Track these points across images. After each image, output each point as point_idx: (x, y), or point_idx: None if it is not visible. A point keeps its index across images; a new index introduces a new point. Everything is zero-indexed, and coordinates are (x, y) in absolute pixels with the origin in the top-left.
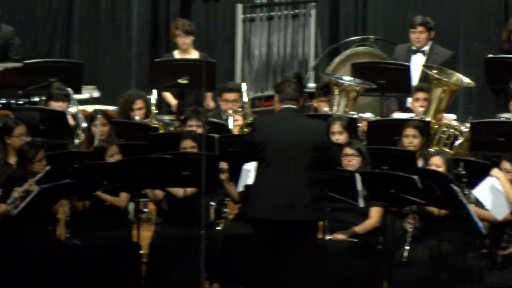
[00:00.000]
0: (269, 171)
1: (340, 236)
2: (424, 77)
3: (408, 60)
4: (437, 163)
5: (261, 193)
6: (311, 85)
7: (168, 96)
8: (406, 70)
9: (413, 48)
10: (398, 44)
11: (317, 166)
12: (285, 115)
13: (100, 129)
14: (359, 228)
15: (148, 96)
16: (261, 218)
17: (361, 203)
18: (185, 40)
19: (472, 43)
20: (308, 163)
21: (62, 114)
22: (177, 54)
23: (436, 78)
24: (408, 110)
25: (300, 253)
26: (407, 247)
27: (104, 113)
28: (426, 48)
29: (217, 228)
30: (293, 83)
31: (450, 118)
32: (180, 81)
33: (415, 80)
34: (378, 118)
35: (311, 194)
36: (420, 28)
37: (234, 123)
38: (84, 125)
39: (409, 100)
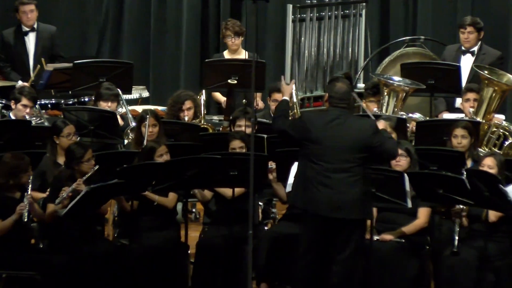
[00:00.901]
0: (316, 169)
1: (387, 237)
2: (473, 78)
3: (457, 60)
4: (489, 164)
5: (308, 190)
6: (361, 85)
7: (218, 96)
8: (456, 71)
9: (463, 48)
10: (447, 45)
11: (363, 165)
12: (334, 114)
13: (149, 130)
14: (407, 229)
15: (197, 97)
16: (308, 210)
17: (409, 204)
18: (234, 41)
19: None
20: (353, 162)
21: (112, 114)
22: (226, 55)
23: (487, 78)
24: (456, 110)
25: (347, 251)
26: (457, 237)
27: (154, 113)
28: (475, 48)
29: (264, 228)
30: (344, 83)
31: (500, 118)
32: (229, 81)
33: (464, 80)
34: (427, 118)
35: (355, 193)
36: (469, 29)
37: None
38: (133, 124)
39: (458, 100)
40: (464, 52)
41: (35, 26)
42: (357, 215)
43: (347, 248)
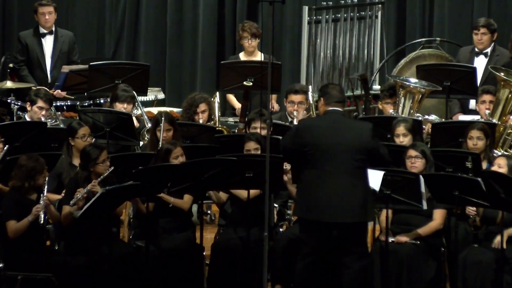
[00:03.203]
0: (316, 174)
1: (403, 238)
2: (486, 79)
3: (471, 62)
4: (500, 163)
5: (308, 195)
6: (377, 87)
7: (232, 99)
8: (473, 72)
9: (476, 50)
10: (463, 46)
11: (363, 167)
12: (330, 118)
13: (163, 135)
14: (422, 230)
15: (212, 99)
16: (308, 219)
17: (425, 205)
18: (251, 43)
19: None
20: (353, 165)
21: (128, 116)
22: (242, 56)
23: (503, 80)
24: (471, 112)
25: (352, 254)
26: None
27: (168, 117)
28: (489, 50)
29: (280, 230)
30: (338, 86)
31: None
32: (245, 83)
33: (478, 82)
34: (443, 120)
35: (357, 196)
36: (483, 30)
37: None
38: (149, 126)
39: (472, 102)
40: (478, 54)
41: (53, 29)
42: (360, 218)
43: (352, 250)
